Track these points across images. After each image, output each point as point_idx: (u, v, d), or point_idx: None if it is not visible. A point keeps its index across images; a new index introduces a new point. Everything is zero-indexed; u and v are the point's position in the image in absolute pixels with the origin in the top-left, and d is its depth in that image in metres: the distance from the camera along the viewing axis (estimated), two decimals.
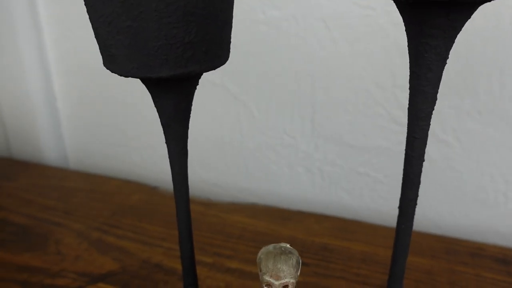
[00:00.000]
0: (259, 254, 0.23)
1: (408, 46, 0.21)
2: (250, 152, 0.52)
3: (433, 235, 0.42)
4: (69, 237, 0.42)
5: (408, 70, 0.22)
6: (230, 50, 0.23)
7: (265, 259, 0.22)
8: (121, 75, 0.21)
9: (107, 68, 0.22)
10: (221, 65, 0.22)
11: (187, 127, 0.25)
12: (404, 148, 0.46)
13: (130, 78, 0.54)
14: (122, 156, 0.59)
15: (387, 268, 0.38)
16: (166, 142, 0.25)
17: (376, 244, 0.41)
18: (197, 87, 0.55)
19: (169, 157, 0.25)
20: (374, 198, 0.49)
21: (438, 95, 0.42)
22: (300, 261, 0.23)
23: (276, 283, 0.22)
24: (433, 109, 0.22)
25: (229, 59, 0.48)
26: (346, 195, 0.50)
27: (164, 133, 0.25)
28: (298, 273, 0.22)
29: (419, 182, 0.24)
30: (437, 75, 0.21)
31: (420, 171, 0.23)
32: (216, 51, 0.21)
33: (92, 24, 0.21)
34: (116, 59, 0.20)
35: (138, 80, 0.60)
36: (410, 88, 0.22)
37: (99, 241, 0.41)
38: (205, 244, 0.41)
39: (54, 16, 0.56)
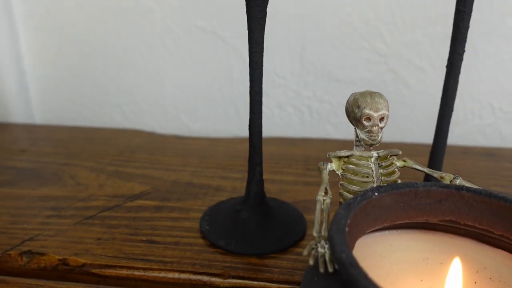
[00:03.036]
0: (351, 98, 0.25)
1: None
2: (241, 97, 0.54)
3: (426, 144, 0.47)
4: (83, 172, 0.40)
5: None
6: None
7: (362, 97, 0.25)
8: None
9: None
10: None
11: None
12: (385, 78, 0.51)
13: (107, 29, 0.52)
14: (102, 116, 0.57)
15: None
16: (247, 11, 0.27)
17: None
18: (187, 35, 0.55)
19: (248, 23, 0.27)
20: None
21: (413, 25, 0.48)
22: None
23: (375, 114, 0.24)
24: None
25: (219, 3, 0.50)
26: (332, 130, 0.54)
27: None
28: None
29: (466, 38, 0.28)
30: None
31: (468, 26, 0.28)
32: None
33: None
34: None
35: (118, 33, 0.58)
36: None
37: (118, 172, 0.40)
38: (227, 165, 0.42)
39: None
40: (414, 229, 0.24)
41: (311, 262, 0.19)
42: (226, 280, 0.27)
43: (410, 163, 0.26)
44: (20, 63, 0.56)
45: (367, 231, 0.22)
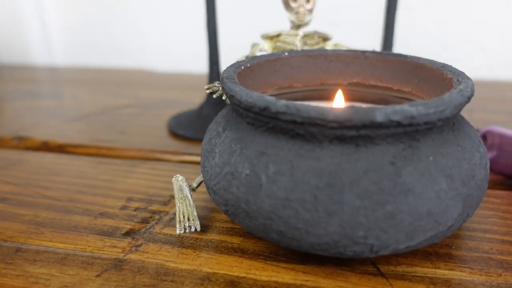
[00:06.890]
0: None
1: None
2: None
3: None
4: (84, 93, 0.45)
5: None
6: None
7: None
8: None
9: None
10: None
11: None
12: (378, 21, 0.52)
13: None
14: (112, 62, 0.63)
15: None
16: None
17: None
18: None
19: None
20: None
21: None
22: None
23: None
24: None
25: None
26: None
27: None
28: None
29: None
30: None
31: None
32: None
33: None
34: None
35: None
36: None
37: (115, 94, 0.45)
38: None
39: None
40: (324, 100, 0.26)
41: (207, 91, 0.22)
42: (178, 157, 0.31)
43: (341, 46, 0.28)
44: (42, 14, 0.62)
45: (278, 88, 0.24)
